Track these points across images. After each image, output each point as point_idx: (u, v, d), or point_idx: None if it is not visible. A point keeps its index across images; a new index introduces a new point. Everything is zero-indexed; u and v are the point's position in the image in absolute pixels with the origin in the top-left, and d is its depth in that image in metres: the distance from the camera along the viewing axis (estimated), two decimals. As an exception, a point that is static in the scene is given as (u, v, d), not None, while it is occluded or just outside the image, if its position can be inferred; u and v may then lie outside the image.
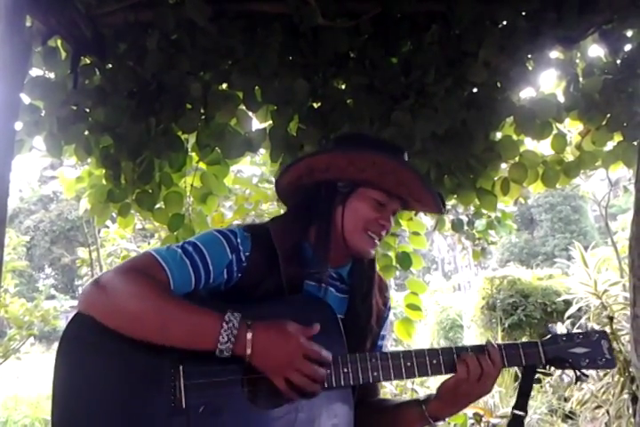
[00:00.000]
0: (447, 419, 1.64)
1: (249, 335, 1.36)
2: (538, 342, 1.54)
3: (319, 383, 1.40)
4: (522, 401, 1.54)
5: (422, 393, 1.65)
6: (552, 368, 1.58)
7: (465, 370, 1.48)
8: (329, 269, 1.63)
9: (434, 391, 1.58)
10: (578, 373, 1.53)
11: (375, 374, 1.47)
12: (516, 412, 1.54)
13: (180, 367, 1.41)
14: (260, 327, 1.38)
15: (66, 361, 1.43)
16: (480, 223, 4.14)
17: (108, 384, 1.41)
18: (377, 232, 1.60)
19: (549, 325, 1.60)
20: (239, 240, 1.56)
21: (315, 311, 1.53)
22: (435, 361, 1.49)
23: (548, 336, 1.56)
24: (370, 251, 1.62)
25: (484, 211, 3.91)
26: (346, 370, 1.46)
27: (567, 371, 1.57)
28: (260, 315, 1.44)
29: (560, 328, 6.96)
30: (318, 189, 1.63)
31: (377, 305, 1.70)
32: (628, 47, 2.64)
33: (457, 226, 3.86)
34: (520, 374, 1.59)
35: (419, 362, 1.49)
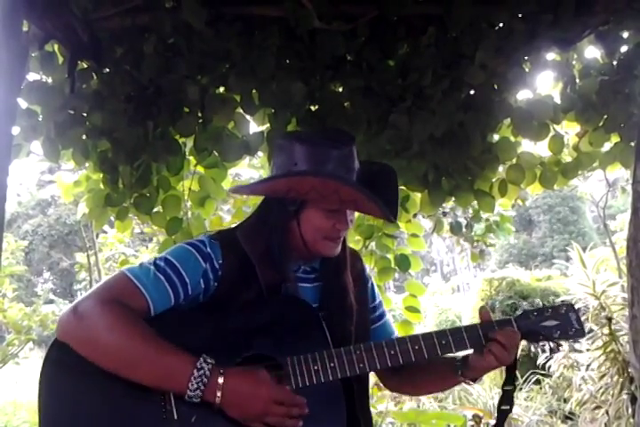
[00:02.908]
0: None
1: (219, 384, 1.36)
2: (511, 318, 1.61)
3: (297, 420, 1.41)
4: (509, 377, 1.63)
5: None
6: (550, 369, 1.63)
7: (493, 358, 1.53)
8: (301, 265, 1.66)
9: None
10: (552, 344, 1.61)
11: (361, 365, 1.50)
12: (506, 388, 1.63)
13: None
14: (230, 377, 1.38)
15: (51, 382, 1.44)
16: (479, 227, 4.15)
17: (96, 402, 1.42)
18: (337, 236, 1.61)
19: (519, 304, 1.69)
20: (209, 249, 1.56)
21: (294, 312, 1.55)
22: (417, 347, 1.53)
23: (520, 313, 1.64)
24: (334, 252, 1.63)
25: (483, 214, 3.92)
26: (332, 364, 1.47)
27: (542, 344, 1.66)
28: (240, 322, 1.47)
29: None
30: (269, 206, 1.63)
31: (352, 286, 1.70)
32: (624, 48, 2.64)
33: (455, 229, 3.86)
34: (519, 374, 1.65)
35: (402, 349, 1.52)
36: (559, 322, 1.60)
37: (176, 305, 1.51)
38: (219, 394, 1.36)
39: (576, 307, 1.65)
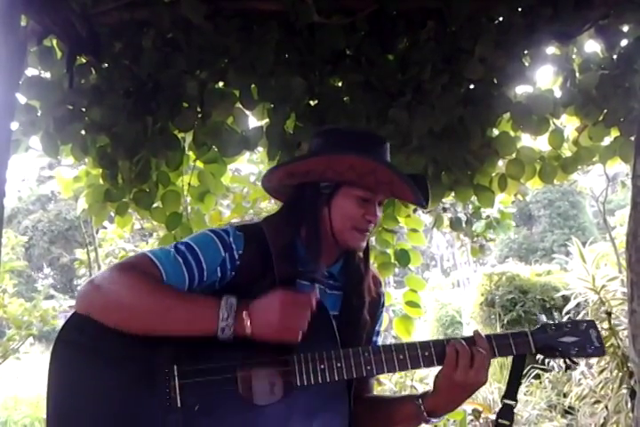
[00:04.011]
0: (444, 416, 1.64)
1: (246, 316, 1.39)
2: (527, 331, 1.56)
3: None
4: (512, 390, 1.57)
5: (422, 390, 1.68)
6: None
7: (454, 355, 1.48)
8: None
9: (431, 387, 1.57)
10: (568, 361, 1.54)
11: (369, 367, 1.48)
12: (507, 401, 1.56)
13: (174, 367, 1.42)
14: (254, 304, 1.42)
15: (60, 363, 1.45)
16: (479, 225, 4.13)
17: (103, 385, 1.42)
18: (365, 227, 1.62)
19: (537, 316, 1.63)
20: (232, 239, 1.57)
21: None
22: (427, 353, 1.51)
23: (538, 326, 1.59)
24: (361, 245, 1.65)
25: (483, 209, 3.91)
26: (339, 365, 1.47)
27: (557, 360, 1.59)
28: None
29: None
30: (302, 191, 1.63)
31: (370, 300, 1.70)
32: (624, 42, 2.63)
33: (455, 224, 3.85)
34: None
35: (411, 355, 1.50)
36: (578, 338, 1.55)
37: (190, 289, 1.52)
38: (248, 324, 1.39)
39: (583, 311, 1.60)
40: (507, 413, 1.55)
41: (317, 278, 1.62)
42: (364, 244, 1.66)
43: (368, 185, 1.57)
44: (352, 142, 1.61)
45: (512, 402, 1.56)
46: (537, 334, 1.55)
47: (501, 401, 1.57)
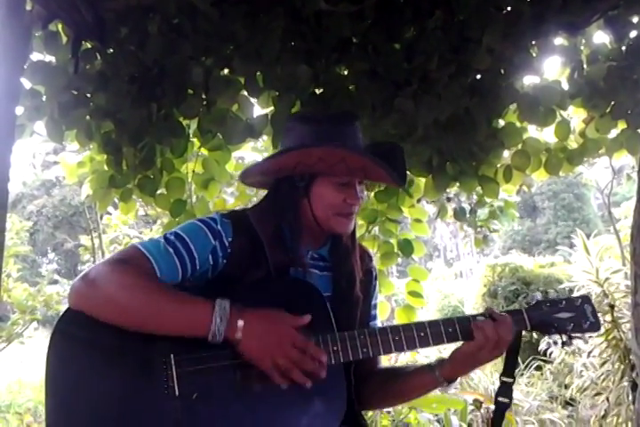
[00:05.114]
0: (450, 409, 1.66)
1: (240, 320, 1.39)
2: (522, 309, 1.57)
3: (307, 378, 1.41)
4: (509, 367, 1.58)
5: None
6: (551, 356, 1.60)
7: (483, 336, 1.49)
8: (310, 251, 1.66)
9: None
10: (564, 337, 1.56)
11: (365, 350, 1.50)
12: (504, 379, 1.58)
13: (172, 356, 1.43)
14: (250, 312, 1.41)
15: (58, 355, 1.45)
16: (482, 213, 4.13)
17: (101, 376, 1.43)
18: (348, 211, 1.62)
19: (532, 294, 1.64)
20: (220, 226, 1.58)
21: (301, 294, 1.55)
22: (422, 334, 1.52)
23: (532, 303, 1.60)
24: (347, 229, 1.65)
25: (487, 199, 3.91)
26: (335, 348, 1.48)
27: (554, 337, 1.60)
28: (247, 301, 1.46)
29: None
30: (279, 185, 1.64)
31: (360, 275, 1.71)
32: (633, 34, 2.61)
33: (459, 214, 3.85)
34: (520, 359, 1.61)
35: (406, 335, 1.51)
36: (573, 314, 1.56)
37: (184, 280, 1.53)
38: (240, 329, 1.38)
39: (580, 292, 1.61)
40: (505, 391, 1.58)
41: (306, 263, 1.63)
42: (352, 226, 1.66)
43: (341, 173, 1.57)
44: (319, 131, 1.60)
45: (510, 380, 1.58)
46: (532, 311, 1.57)
47: (499, 379, 1.59)
